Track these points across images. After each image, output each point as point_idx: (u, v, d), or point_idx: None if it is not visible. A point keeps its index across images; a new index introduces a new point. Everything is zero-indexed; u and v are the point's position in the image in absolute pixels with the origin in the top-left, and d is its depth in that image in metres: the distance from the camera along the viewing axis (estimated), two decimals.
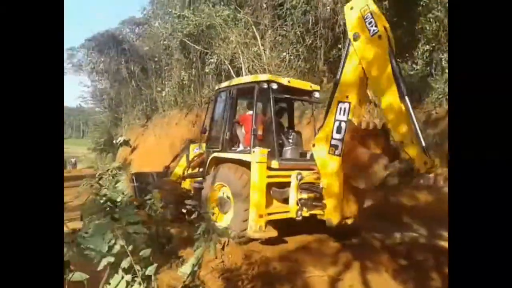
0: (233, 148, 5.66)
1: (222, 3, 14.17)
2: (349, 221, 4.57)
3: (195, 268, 1.93)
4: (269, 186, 4.92)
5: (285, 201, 4.96)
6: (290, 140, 5.66)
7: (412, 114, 3.86)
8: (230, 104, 5.78)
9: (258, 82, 5.28)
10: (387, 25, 4.06)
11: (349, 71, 4.33)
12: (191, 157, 6.56)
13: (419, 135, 3.82)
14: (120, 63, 20.95)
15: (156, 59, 18.85)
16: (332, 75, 10.90)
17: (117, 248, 1.64)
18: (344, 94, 4.35)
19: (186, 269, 1.91)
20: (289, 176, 4.89)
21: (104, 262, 1.62)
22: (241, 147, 5.64)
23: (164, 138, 16.35)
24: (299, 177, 4.81)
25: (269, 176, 4.85)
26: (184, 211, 5.84)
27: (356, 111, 4.34)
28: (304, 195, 4.80)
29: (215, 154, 5.66)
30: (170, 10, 16.17)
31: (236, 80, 6.25)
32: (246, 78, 6.32)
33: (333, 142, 4.33)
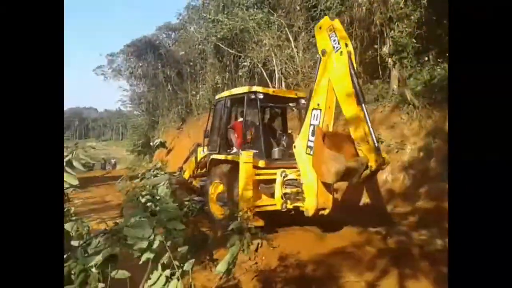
0: (228, 151, 6.47)
1: (255, 6, 14.27)
2: (325, 212, 5.24)
3: (230, 267, 1.95)
4: (258, 182, 5.69)
5: (273, 195, 5.59)
6: (282, 142, 6.48)
7: (368, 119, 4.49)
8: (225, 112, 6.71)
9: (247, 93, 6.13)
10: (349, 42, 4.81)
11: (319, 82, 5.10)
12: (198, 158, 7.48)
13: (373, 136, 4.46)
14: (157, 68, 21.63)
15: (191, 63, 19.29)
16: (368, 76, 10.63)
17: (156, 243, 1.69)
18: (316, 102, 5.11)
19: (222, 267, 1.93)
20: (275, 173, 5.55)
21: (144, 257, 1.68)
22: (234, 150, 6.40)
23: (198, 140, 16.64)
24: (283, 174, 5.48)
25: (257, 174, 5.61)
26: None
27: (327, 117, 5.03)
28: (288, 190, 5.47)
29: (213, 156, 6.59)
30: (204, 15, 16.51)
31: (229, 92, 7.03)
32: (237, 90, 6.98)
33: (309, 143, 5.03)
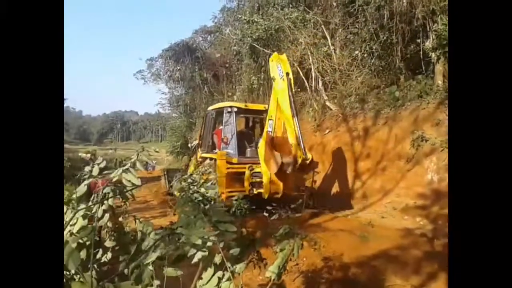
0: (213, 151, 8.51)
1: (290, 5, 14.18)
2: (278, 196, 7.08)
3: (281, 271, 1.94)
4: (232, 174, 7.62)
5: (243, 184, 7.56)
6: (253, 144, 8.45)
7: (298, 126, 6.60)
8: (211, 121, 9.19)
9: (225, 107, 8.51)
10: (289, 71, 6.96)
11: (271, 100, 7.40)
12: (198, 156, 9.47)
13: (301, 140, 6.54)
14: (194, 70, 22.08)
15: (227, 65, 19.54)
16: (410, 72, 10.24)
17: (209, 244, 1.70)
18: (270, 114, 7.34)
19: (272, 269, 1.92)
20: (245, 167, 7.56)
21: (197, 256, 1.70)
22: (217, 150, 8.30)
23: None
24: (250, 168, 7.48)
25: (229, 168, 7.59)
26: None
27: (277, 126, 7.18)
28: (254, 180, 7.45)
29: (203, 154, 8.99)
30: (239, 16, 16.65)
31: (214, 106, 9.66)
32: (219, 104, 9.59)
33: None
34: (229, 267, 1.69)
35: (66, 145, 51.10)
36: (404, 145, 8.11)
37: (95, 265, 1.86)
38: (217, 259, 1.75)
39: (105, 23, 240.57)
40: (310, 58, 11.97)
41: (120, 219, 2.01)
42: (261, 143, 7.17)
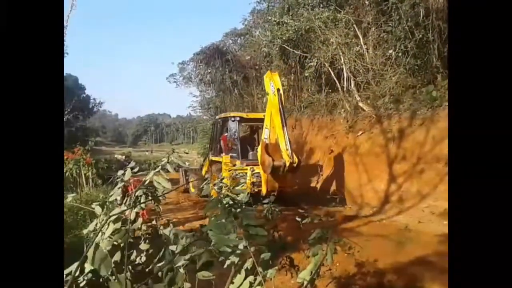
0: (221, 154, 9.78)
1: (321, 5, 13.98)
2: (275, 193, 7.56)
3: (314, 277, 1.87)
4: (236, 175, 8.71)
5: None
6: (255, 148, 9.49)
7: (286, 134, 7.98)
8: (218, 128, 11.09)
9: (229, 117, 10.12)
10: (280, 87, 8.27)
11: (267, 112, 8.53)
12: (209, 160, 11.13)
13: (288, 146, 7.87)
14: (224, 73, 22.30)
15: (256, 67, 19.57)
16: (447, 70, 9.77)
17: (240, 248, 1.67)
18: (266, 124, 8.44)
19: (305, 276, 1.85)
20: (247, 169, 8.85)
21: (229, 261, 1.67)
22: (223, 154, 9.62)
23: None
24: (251, 169, 8.72)
25: (233, 169, 8.88)
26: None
27: (272, 134, 8.25)
28: (255, 179, 8.68)
29: (211, 158, 10.72)
30: (269, 18, 16.62)
31: (221, 115, 11.51)
32: (225, 114, 11.20)
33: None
34: (260, 272, 1.65)
35: (103, 147, 53.38)
36: (443, 147, 7.73)
37: (130, 267, 1.89)
38: (248, 263, 1.71)
39: (137, 30, 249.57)
40: (342, 58, 11.72)
41: (154, 221, 2.02)
42: (259, 148, 8.49)
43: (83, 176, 9.83)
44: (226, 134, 10.09)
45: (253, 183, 8.61)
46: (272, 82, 8.28)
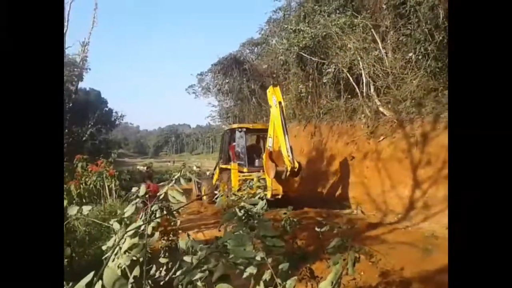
0: (230, 163, 10.70)
1: (337, 11, 13.91)
2: (279, 197, 8.95)
3: (335, 286, 1.81)
4: (244, 180, 9.06)
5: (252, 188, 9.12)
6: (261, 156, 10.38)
7: (288, 142, 8.59)
8: (227, 139, 11.99)
9: (236, 128, 11.22)
10: (281, 100, 9.10)
11: (270, 122, 9.48)
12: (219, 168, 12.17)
13: (289, 153, 8.49)
14: (242, 82, 22.49)
15: (274, 75, 19.61)
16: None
17: (257, 259, 1.64)
18: (270, 133, 9.40)
19: (325, 285, 1.79)
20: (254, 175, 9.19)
21: (246, 272, 1.64)
22: (231, 162, 10.58)
23: None
24: (258, 175, 8.48)
25: (241, 176, 9.93)
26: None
27: (275, 142, 9.10)
28: (261, 184, 8.80)
29: (221, 165, 11.67)
30: (286, 26, 16.67)
31: (229, 127, 12.71)
32: (232, 126, 12.49)
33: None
34: (279, 283, 1.60)
35: (125, 159, 54.51)
36: None
37: (150, 281, 1.88)
38: (267, 275, 1.67)
39: (157, 43, 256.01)
40: (360, 63, 11.57)
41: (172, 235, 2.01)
42: (264, 156, 9.51)
43: (106, 187, 10.05)
44: (234, 143, 11.15)
45: (259, 188, 8.92)
46: (274, 96, 9.21)
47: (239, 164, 10.41)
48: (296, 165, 8.63)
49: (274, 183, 9.06)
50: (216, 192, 10.78)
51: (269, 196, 8.67)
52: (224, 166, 11.36)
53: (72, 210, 1.52)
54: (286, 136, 8.72)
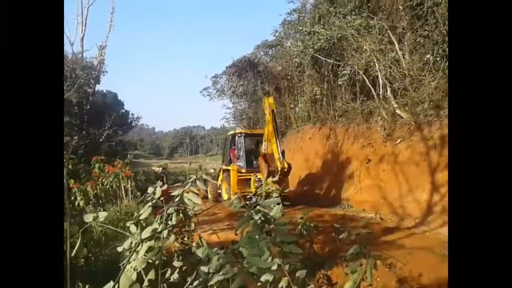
0: (231, 164, 11.98)
1: (353, 13, 13.77)
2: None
3: None
4: (242, 180, 11.23)
5: (250, 187, 11.00)
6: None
7: (279, 146, 10.03)
8: (228, 143, 13.38)
9: (236, 133, 12.67)
10: (274, 108, 10.55)
11: (265, 128, 10.70)
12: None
13: (280, 155, 9.87)
14: (256, 84, 22.49)
15: (288, 77, 19.54)
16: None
17: (274, 266, 1.60)
18: (264, 137, 10.65)
19: None
20: (251, 175, 11.09)
21: (263, 278, 1.61)
22: (232, 164, 11.94)
23: (298, 152, 16.63)
24: (255, 176, 10.82)
25: (240, 176, 11.29)
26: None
27: (269, 146, 10.36)
28: (257, 183, 10.67)
29: (223, 167, 12.88)
30: (300, 28, 16.61)
31: (230, 132, 13.76)
32: (232, 131, 13.64)
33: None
34: None
35: (141, 160, 55.26)
36: None
37: (164, 285, 1.87)
38: (284, 282, 1.64)
39: (172, 46, 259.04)
40: (377, 65, 11.42)
41: (186, 238, 2.00)
42: (260, 158, 10.68)
43: (122, 188, 10.17)
44: (234, 147, 12.56)
45: (256, 187, 10.78)
46: (269, 105, 10.46)
47: (238, 166, 11.71)
48: (286, 165, 9.93)
49: (270, 183, 9.81)
50: (219, 191, 12.49)
51: (264, 193, 9.05)
52: (225, 168, 12.49)
53: (88, 218, 1.52)
54: (278, 140, 10.13)
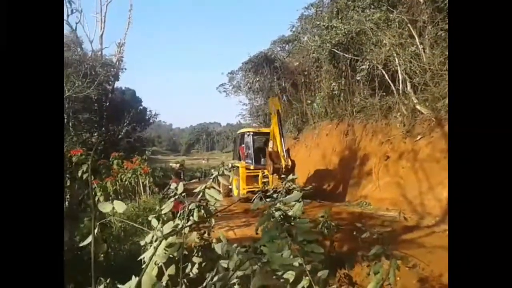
0: (240, 161, 12.84)
1: (372, 6, 13.49)
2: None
3: None
4: (250, 176, 12.28)
5: (258, 182, 12.13)
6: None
7: (283, 144, 10.72)
8: (238, 141, 14.34)
9: (244, 132, 13.71)
10: (279, 108, 11.33)
11: (271, 127, 11.35)
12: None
13: (284, 153, 10.50)
14: (273, 80, 22.37)
15: (305, 72, 19.35)
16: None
17: (296, 263, 1.58)
18: (270, 136, 11.24)
19: None
20: (259, 172, 12.19)
21: (284, 277, 1.59)
22: (241, 161, 12.95)
23: (315, 149, 16.49)
24: (262, 172, 11.84)
25: (248, 172, 12.27)
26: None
27: (274, 144, 10.92)
28: (265, 180, 11.89)
29: (233, 163, 11.06)
30: (318, 23, 16.40)
31: (239, 131, 14.88)
32: (241, 130, 14.59)
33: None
34: None
35: (159, 156, 56.09)
36: None
37: (185, 280, 1.88)
38: (305, 282, 1.61)
39: (188, 42, 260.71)
40: (396, 60, 11.16)
41: (206, 235, 2.00)
42: (266, 155, 11.32)
43: (141, 184, 10.34)
44: (243, 145, 13.55)
45: (264, 183, 11.96)
46: (274, 105, 11.19)
47: (247, 163, 12.77)
48: (290, 163, 10.50)
49: (275, 179, 11.30)
50: (230, 187, 13.14)
51: (270, 187, 10.42)
52: (236, 164, 12.99)
53: (105, 208, 1.49)
54: (282, 139, 10.84)
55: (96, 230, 1.41)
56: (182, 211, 1.77)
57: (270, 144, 11.17)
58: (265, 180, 11.84)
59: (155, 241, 1.62)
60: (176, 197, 1.82)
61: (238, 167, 12.25)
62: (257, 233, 1.74)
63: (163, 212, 1.75)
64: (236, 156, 14.55)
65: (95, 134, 20.10)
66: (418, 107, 10.49)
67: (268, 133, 12.16)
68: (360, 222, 5.64)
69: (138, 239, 5.34)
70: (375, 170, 11.22)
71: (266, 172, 11.54)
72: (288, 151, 10.93)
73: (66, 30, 18.70)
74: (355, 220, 7.81)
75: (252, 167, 12.46)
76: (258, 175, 12.15)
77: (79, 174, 5.33)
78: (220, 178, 1.74)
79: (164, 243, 1.49)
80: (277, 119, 10.84)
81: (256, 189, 11.36)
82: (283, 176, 10.22)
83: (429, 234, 6.65)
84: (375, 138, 12.11)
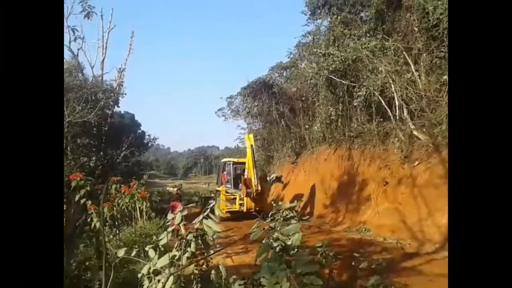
0: (221, 186, 16.27)
1: (367, 34, 13.86)
2: (252, 210, 12.33)
3: None
4: (230, 199, 14.99)
5: (235, 204, 14.70)
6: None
7: (255, 173, 13.80)
8: (221, 169, 17.74)
9: (226, 162, 17.76)
10: (253, 144, 14.82)
11: (247, 158, 14.81)
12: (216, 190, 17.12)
13: (256, 180, 13.61)
14: (271, 105, 22.60)
15: (303, 98, 19.61)
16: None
17: None
18: (246, 166, 14.71)
19: None
20: (237, 195, 14.79)
21: None
22: (222, 186, 16.23)
23: (313, 174, 16.46)
24: (239, 195, 14.36)
25: (227, 195, 15.23)
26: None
27: (249, 172, 14.09)
28: (241, 202, 14.27)
29: (217, 188, 17.36)
30: (315, 50, 16.76)
31: (222, 160, 19.73)
32: (224, 159, 19.11)
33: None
34: None
35: (156, 180, 55.64)
36: None
37: None
38: None
39: (187, 69, 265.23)
40: (393, 86, 11.37)
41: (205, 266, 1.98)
42: (242, 182, 13.94)
43: (138, 209, 10.21)
44: (225, 172, 16.62)
45: (240, 204, 14.19)
46: (248, 141, 14.40)
47: (226, 187, 15.76)
48: (259, 188, 13.42)
49: (249, 202, 13.65)
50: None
51: (245, 209, 13.73)
52: (218, 189, 16.55)
53: (120, 252, 1.56)
54: (254, 169, 13.64)
55: (86, 257, 1.41)
56: (179, 242, 1.76)
57: (246, 172, 14.23)
58: (241, 202, 14.13)
59: (152, 272, 1.61)
60: (173, 227, 1.81)
61: (219, 190, 15.62)
62: (255, 264, 1.72)
63: (161, 243, 1.73)
64: (219, 182, 17.33)
65: (93, 158, 20.01)
66: (415, 132, 10.59)
67: (244, 163, 15.07)
68: (359, 249, 5.58)
69: (134, 266, 5.22)
70: (374, 195, 11.16)
71: (242, 195, 13.99)
72: (261, 178, 14.43)
73: (68, 56, 18.98)
74: (355, 246, 7.70)
75: (230, 191, 15.38)
76: (236, 198, 14.63)
77: (76, 198, 5.27)
78: (217, 210, 1.73)
79: (171, 279, 1.47)
80: (251, 152, 13.87)
81: (233, 209, 14.14)
82: (255, 198, 13.45)
83: (429, 261, 6.56)
84: (373, 164, 12.13)
